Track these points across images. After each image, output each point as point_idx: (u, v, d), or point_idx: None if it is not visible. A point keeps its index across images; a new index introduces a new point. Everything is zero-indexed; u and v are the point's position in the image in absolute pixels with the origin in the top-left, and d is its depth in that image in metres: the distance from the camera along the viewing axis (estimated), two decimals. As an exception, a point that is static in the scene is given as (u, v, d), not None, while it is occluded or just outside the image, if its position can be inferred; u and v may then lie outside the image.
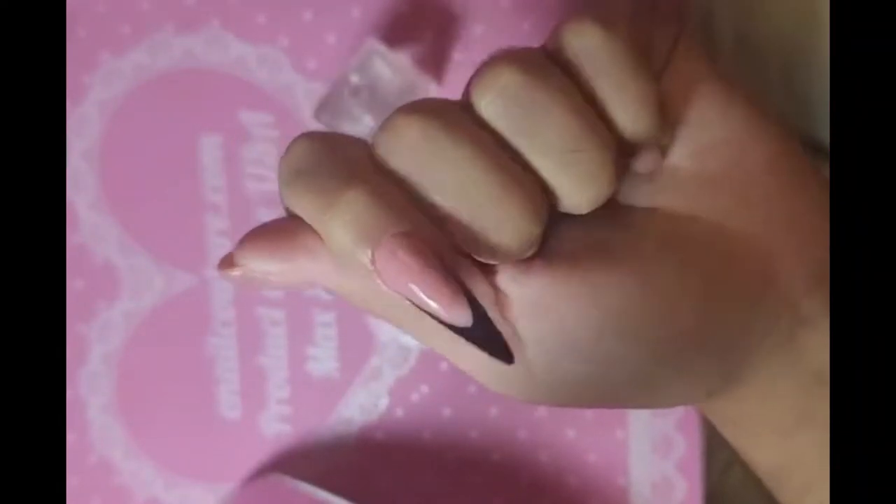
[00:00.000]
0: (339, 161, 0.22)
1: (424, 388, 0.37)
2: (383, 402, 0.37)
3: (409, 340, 0.37)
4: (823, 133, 0.37)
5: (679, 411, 0.36)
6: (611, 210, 0.24)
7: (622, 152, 0.23)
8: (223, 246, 0.37)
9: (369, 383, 0.37)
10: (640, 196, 0.24)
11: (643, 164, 0.23)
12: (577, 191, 0.22)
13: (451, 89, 0.35)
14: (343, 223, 0.21)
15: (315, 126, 0.34)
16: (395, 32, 0.36)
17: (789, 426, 0.25)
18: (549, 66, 0.22)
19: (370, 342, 0.37)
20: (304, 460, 0.38)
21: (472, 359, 0.23)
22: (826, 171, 0.38)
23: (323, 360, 0.37)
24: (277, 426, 0.38)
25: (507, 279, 0.22)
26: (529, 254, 0.22)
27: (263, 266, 0.23)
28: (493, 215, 0.22)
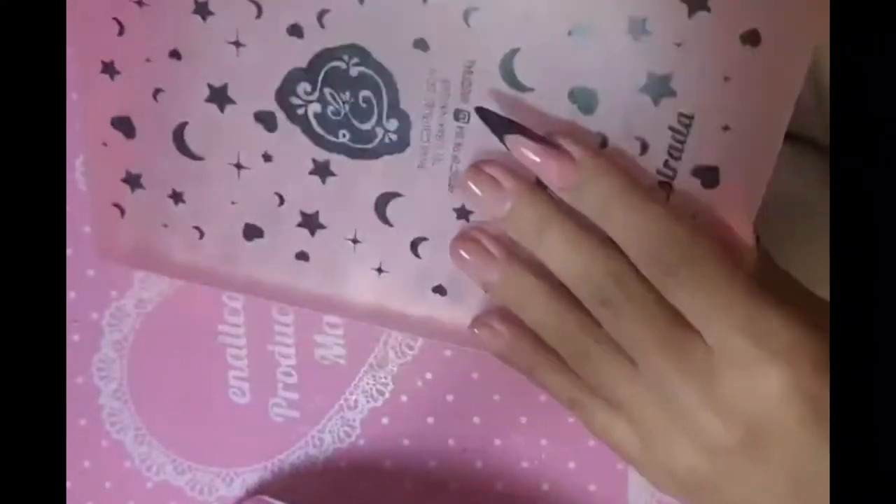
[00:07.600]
0: None
1: (428, 375, 0.38)
2: (388, 389, 0.38)
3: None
4: (823, 133, 0.37)
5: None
6: None
7: None
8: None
9: (375, 370, 0.38)
10: None
11: None
12: None
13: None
14: None
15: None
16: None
17: None
18: None
19: (375, 331, 0.37)
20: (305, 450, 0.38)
21: None
22: (825, 169, 0.38)
23: (330, 347, 0.38)
24: (285, 412, 0.38)
25: None
26: None
27: None
28: None
